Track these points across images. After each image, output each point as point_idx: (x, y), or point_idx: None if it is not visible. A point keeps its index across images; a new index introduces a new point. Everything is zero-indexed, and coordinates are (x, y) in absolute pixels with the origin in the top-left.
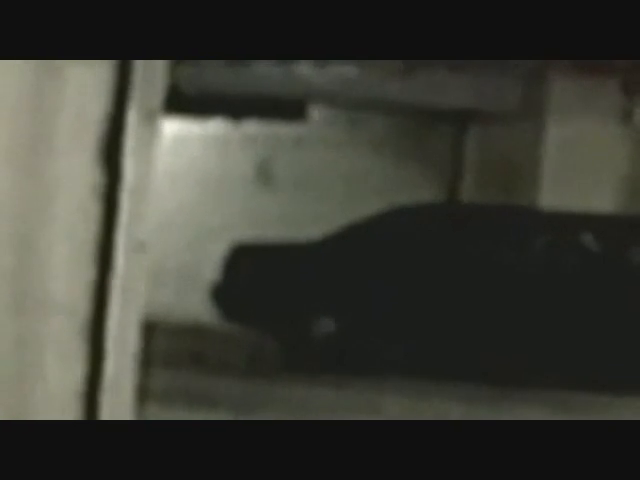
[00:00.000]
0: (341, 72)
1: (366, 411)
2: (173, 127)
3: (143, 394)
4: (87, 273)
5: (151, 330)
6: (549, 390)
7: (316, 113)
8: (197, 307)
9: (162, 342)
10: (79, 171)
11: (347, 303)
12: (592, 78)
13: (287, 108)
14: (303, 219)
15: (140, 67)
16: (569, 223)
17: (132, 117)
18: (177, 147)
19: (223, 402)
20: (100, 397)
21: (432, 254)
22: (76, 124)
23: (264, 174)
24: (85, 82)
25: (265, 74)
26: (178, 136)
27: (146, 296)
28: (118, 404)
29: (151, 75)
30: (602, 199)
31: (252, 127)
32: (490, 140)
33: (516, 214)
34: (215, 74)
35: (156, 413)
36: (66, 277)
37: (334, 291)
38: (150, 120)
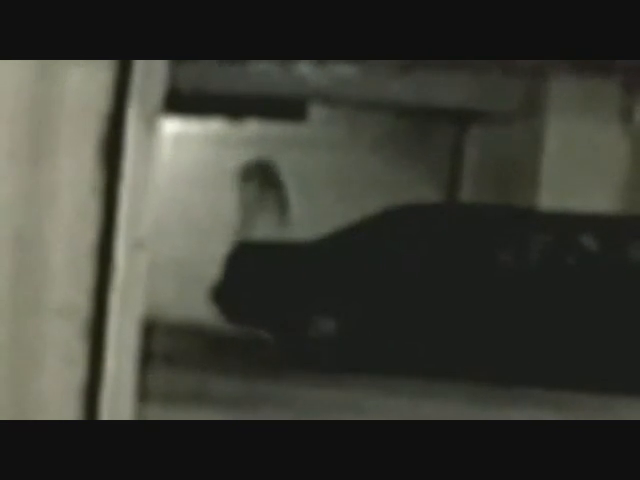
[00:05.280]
0: (341, 72)
1: (365, 411)
2: (173, 127)
3: (143, 394)
4: (87, 273)
5: (151, 330)
6: (549, 390)
7: (316, 113)
8: (197, 307)
9: (162, 342)
10: (79, 171)
11: (347, 303)
12: (592, 78)
13: (287, 108)
14: (303, 219)
15: (140, 67)
16: (569, 223)
17: (132, 117)
18: (177, 147)
19: (223, 402)
20: (100, 397)
21: (432, 254)
22: (76, 124)
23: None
24: (85, 82)
25: (265, 74)
26: (178, 136)
27: (146, 296)
28: (118, 404)
29: (151, 75)
30: (602, 199)
31: (252, 127)
32: (490, 140)
33: (516, 214)
34: (215, 74)
35: (156, 413)
36: (66, 277)
37: (334, 291)
38: (150, 120)
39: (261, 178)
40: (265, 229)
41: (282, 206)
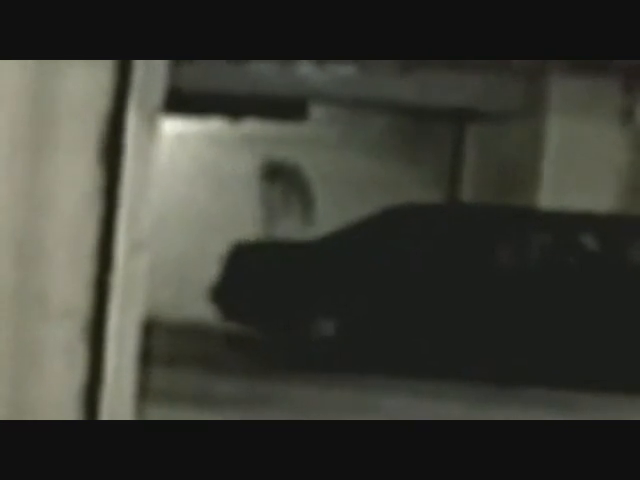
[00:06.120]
0: (341, 72)
1: (365, 411)
2: (173, 126)
3: (143, 394)
4: (87, 273)
5: (151, 330)
6: (549, 390)
7: (316, 113)
8: (197, 307)
9: (162, 342)
10: (79, 171)
11: (347, 303)
12: (592, 78)
13: (287, 108)
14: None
15: (140, 67)
16: (569, 223)
17: (132, 117)
18: (177, 147)
19: (223, 402)
20: (100, 397)
21: (431, 254)
22: (76, 124)
23: (264, 174)
24: (85, 82)
25: (265, 74)
26: (178, 135)
27: (146, 296)
28: (118, 404)
29: (151, 75)
30: (602, 199)
31: (252, 127)
32: (490, 140)
33: (516, 214)
34: (215, 74)
35: (156, 413)
36: (66, 277)
37: (334, 291)
38: (150, 120)
39: (284, 179)
40: (285, 229)
41: (306, 207)
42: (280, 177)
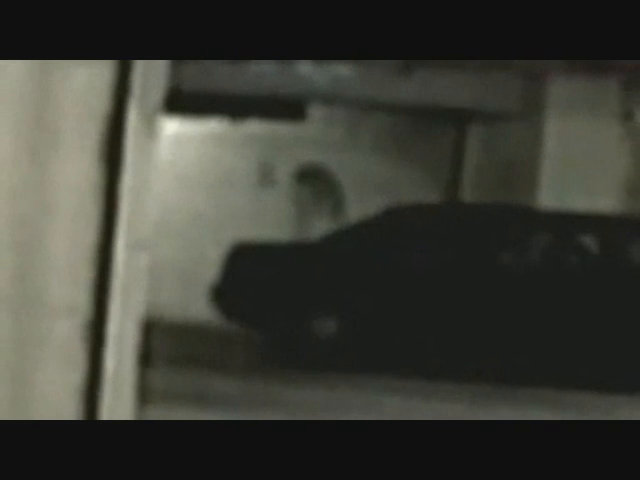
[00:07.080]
0: (341, 72)
1: (365, 411)
2: (173, 127)
3: (143, 394)
4: (87, 273)
5: (151, 330)
6: (549, 390)
7: (316, 113)
8: (197, 307)
9: (162, 342)
10: (79, 171)
11: (347, 303)
12: (592, 78)
13: (287, 108)
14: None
15: (140, 67)
16: (569, 223)
17: (132, 117)
18: (177, 146)
19: (223, 402)
20: (100, 397)
21: (432, 254)
22: (76, 124)
23: (264, 174)
24: (85, 82)
25: (265, 74)
26: (178, 135)
27: (146, 296)
28: (118, 404)
29: (151, 75)
30: (602, 199)
31: (252, 127)
32: (490, 140)
33: (516, 214)
34: (215, 74)
35: (156, 413)
36: (66, 277)
37: (334, 291)
38: (150, 120)
39: (316, 180)
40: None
41: (337, 208)
42: (311, 179)
